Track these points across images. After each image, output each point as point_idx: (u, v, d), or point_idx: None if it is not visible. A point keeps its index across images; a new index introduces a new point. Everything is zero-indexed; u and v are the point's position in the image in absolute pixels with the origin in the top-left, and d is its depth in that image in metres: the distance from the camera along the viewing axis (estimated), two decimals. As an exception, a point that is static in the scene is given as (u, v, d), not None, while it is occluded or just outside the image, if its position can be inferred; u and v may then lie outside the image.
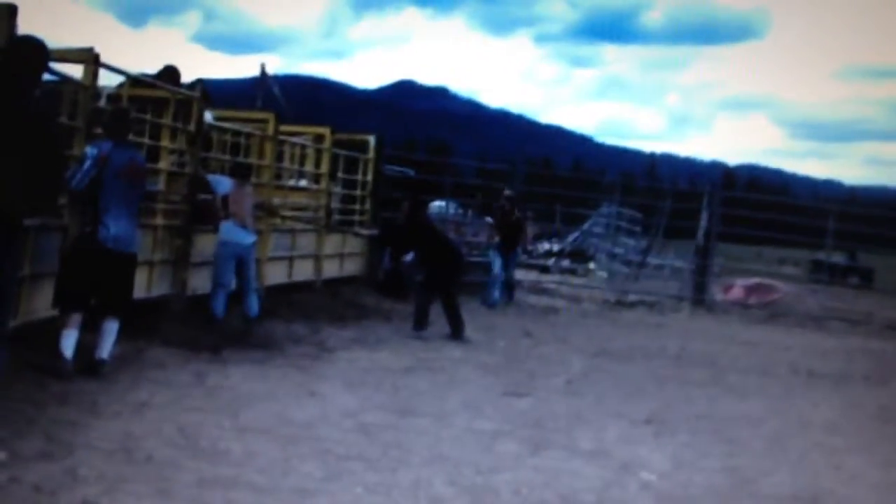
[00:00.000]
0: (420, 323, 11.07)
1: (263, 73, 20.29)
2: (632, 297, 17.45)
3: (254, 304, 9.95)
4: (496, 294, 14.84)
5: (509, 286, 15.54)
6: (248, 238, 9.81)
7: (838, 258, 24.20)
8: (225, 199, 9.67)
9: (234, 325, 9.71)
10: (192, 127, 9.57)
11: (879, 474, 6.32)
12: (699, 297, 16.98)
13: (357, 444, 5.94)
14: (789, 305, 17.17)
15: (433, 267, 11.38)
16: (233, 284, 9.79)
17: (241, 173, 10.12)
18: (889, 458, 6.82)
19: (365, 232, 13.86)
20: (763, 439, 7.16)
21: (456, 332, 11.10)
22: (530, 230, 19.87)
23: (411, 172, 19.63)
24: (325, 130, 13.96)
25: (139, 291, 8.22)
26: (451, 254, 11.65)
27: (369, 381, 8.11)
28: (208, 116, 10.48)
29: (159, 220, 9.17)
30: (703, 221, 17.42)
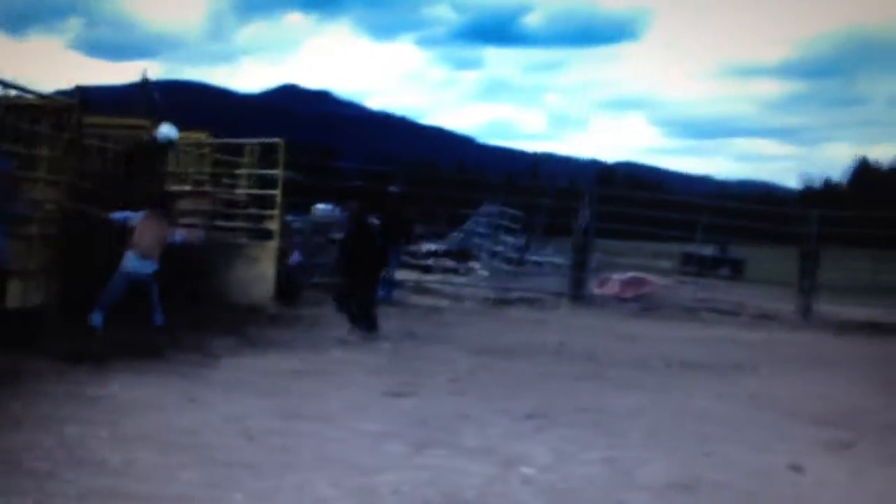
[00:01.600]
0: (369, 323, 11.68)
1: (144, 78, 19.93)
2: (513, 295, 17.67)
3: (158, 317, 9.89)
4: (381, 292, 14.88)
5: (389, 284, 15.60)
6: (148, 268, 9.79)
7: (710, 251, 24.91)
8: (132, 229, 9.68)
9: (114, 334, 9.56)
10: (68, 135, 9.40)
11: (752, 460, 6.55)
12: (578, 293, 17.29)
13: (240, 450, 5.94)
14: (663, 298, 17.61)
15: (358, 268, 11.93)
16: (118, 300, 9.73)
17: (160, 203, 10.15)
18: (759, 443, 7.07)
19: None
20: (640, 430, 7.36)
21: (372, 328, 11.65)
22: (416, 229, 19.96)
23: (299, 177, 19.52)
24: (204, 135, 13.86)
25: (13, 301, 8.05)
26: (376, 254, 12.42)
27: (254, 386, 8.09)
28: (170, 132, 10.90)
29: (34, 230, 8.99)
30: (582, 219, 17.76)
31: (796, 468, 6.32)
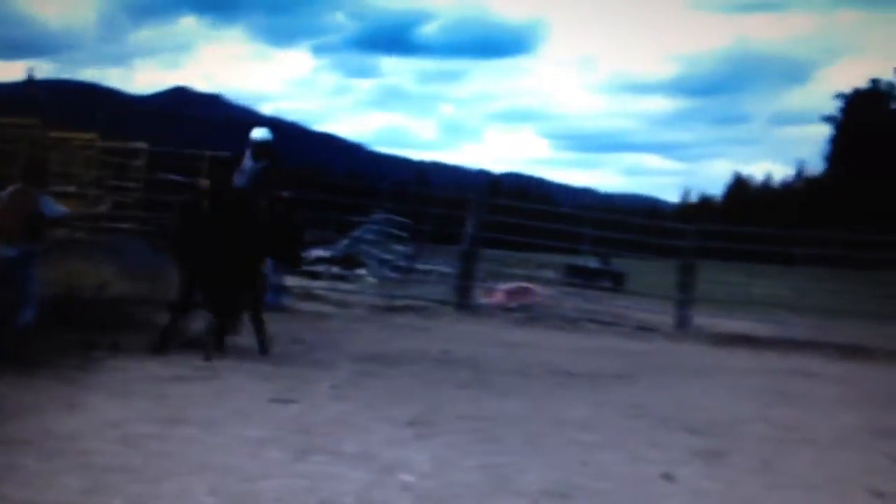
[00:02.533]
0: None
1: (30, 77, 19.57)
2: (400, 303, 17.76)
3: (26, 315, 9.59)
4: (269, 297, 14.82)
5: (278, 289, 15.53)
6: (9, 252, 9.41)
7: (593, 263, 25.39)
8: None
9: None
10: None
11: (627, 469, 6.71)
12: (464, 302, 17.46)
13: (120, 455, 5.89)
14: (547, 308, 17.91)
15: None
16: None
17: (30, 174, 9.78)
18: (636, 453, 7.24)
19: None
20: (520, 437, 7.48)
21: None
22: (306, 235, 19.89)
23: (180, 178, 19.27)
24: (93, 136, 13.67)
25: None
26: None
27: (137, 391, 8.01)
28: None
29: None
30: (469, 228, 17.95)
31: (669, 477, 6.47)
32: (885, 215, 48.00)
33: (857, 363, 14.16)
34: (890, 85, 63.45)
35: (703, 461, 7.11)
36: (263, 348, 10.51)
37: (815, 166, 74.23)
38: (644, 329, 16.59)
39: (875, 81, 64.30)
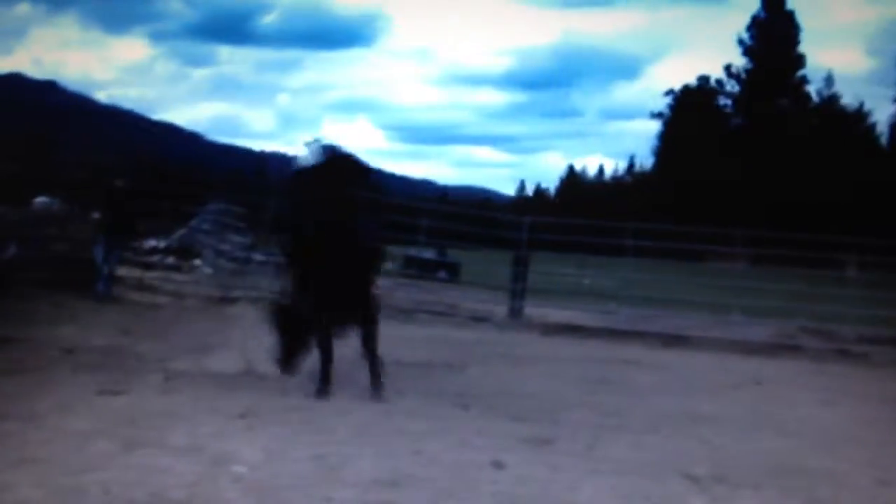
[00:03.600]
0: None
1: None
2: (236, 293, 17.57)
3: None
4: (101, 287, 14.53)
5: (108, 279, 15.23)
6: None
7: (429, 254, 25.60)
8: None
9: None
10: None
11: (456, 457, 6.83)
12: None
13: (-63, 452, 5.73)
14: (383, 299, 17.97)
15: None
16: None
17: None
18: (464, 440, 7.39)
19: None
20: (350, 427, 7.55)
21: None
22: (140, 225, 19.52)
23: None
24: None
25: None
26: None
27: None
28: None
29: None
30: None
31: (497, 464, 6.62)
32: (710, 207, 49.98)
33: (678, 351, 14.76)
34: (718, 82, 65.92)
35: (530, 447, 7.31)
36: (377, 385, 9.20)
37: (646, 160, 76.59)
38: (477, 319, 16.86)
39: (703, 78, 66.72)
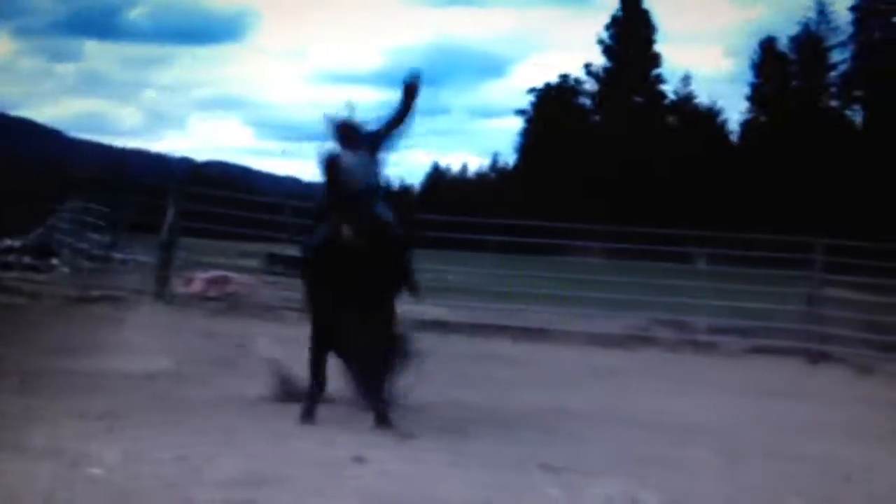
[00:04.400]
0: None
1: None
2: (95, 293, 17.24)
3: None
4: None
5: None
6: None
7: (295, 251, 25.46)
8: None
9: None
10: None
11: (319, 454, 6.91)
12: (162, 291, 17.18)
13: None
14: (247, 297, 17.90)
15: None
16: None
17: None
18: (328, 437, 7.48)
19: None
20: (216, 426, 7.58)
21: None
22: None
23: None
24: None
25: None
26: None
27: None
28: None
29: None
30: (169, 216, 17.66)
31: (360, 460, 6.71)
32: (571, 203, 50.95)
33: (539, 345, 15.08)
34: (577, 80, 67.19)
35: (393, 443, 7.45)
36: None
37: (509, 158, 77.59)
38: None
39: (564, 77, 67.94)
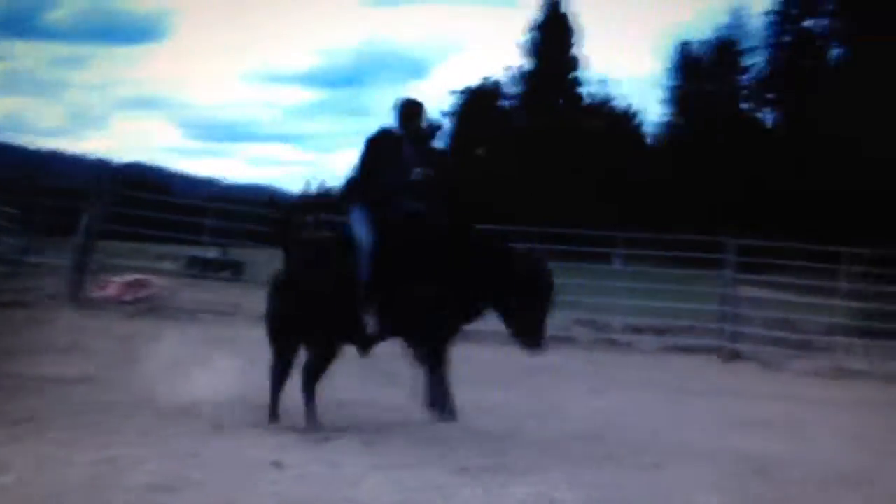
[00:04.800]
0: None
1: None
2: (8, 298, 16.90)
3: None
4: None
5: None
6: None
7: (213, 253, 25.26)
8: None
9: None
10: None
11: (237, 458, 6.89)
12: (77, 295, 16.91)
13: None
14: (165, 300, 17.69)
15: None
16: None
17: None
18: (247, 441, 7.47)
19: None
20: (134, 429, 7.52)
21: None
22: None
23: None
24: None
25: None
26: None
27: None
28: None
29: None
30: (84, 219, 17.40)
31: (277, 464, 6.72)
32: (494, 205, 51.16)
33: (464, 344, 15.08)
34: (497, 83, 67.50)
35: (309, 446, 7.45)
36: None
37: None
38: (260, 318, 16.74)
39: (487, 79, 68.18)
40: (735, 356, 15.65)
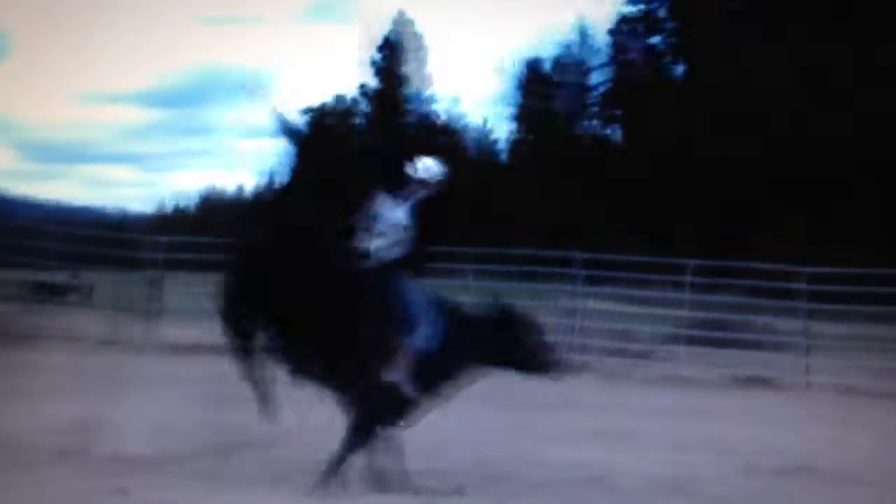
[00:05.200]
0: None
1: None
2: None
3: None
4: None
5: None
6: None
7: (61, 277, 24.64)
8: None
9: None
10: None
11: (81, 485, 6.91)
12: None
13: None
14: (6, 326, 17.19)
15: None
16: None
17: None
18: (92, 468, 7.45)
19: None
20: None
21: None
22: None
23: None
24: None
25: None
26: None
27: None
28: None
29: None
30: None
31: (123, 491, 6.73)
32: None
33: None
34: (354, 101, 67.48)
35: (155, 471, 7.46)
36: None
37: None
38: (107, 343, 16.53)
39: (340, 98, 68.06)
40: (579, 367, 16.12)
